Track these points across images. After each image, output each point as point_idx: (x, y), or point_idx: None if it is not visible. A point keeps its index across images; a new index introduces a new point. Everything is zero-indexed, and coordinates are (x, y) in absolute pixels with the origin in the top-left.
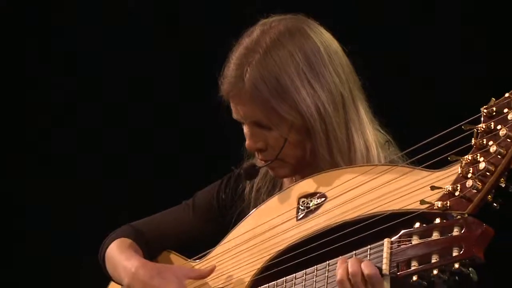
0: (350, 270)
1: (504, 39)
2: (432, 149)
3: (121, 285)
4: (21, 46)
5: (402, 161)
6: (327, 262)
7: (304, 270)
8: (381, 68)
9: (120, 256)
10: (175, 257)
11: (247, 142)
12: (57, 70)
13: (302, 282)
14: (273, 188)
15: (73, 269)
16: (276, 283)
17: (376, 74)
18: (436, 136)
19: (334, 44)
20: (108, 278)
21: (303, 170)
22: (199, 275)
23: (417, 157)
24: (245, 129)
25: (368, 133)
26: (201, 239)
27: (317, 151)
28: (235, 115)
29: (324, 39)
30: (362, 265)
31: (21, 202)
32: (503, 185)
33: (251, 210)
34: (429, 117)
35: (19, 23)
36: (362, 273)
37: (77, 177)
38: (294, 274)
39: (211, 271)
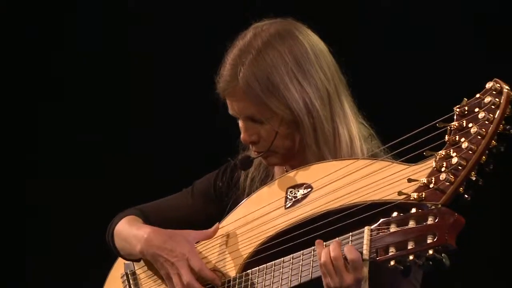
0: (332, 254)
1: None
2: (409, 145)
3: (132, 257)
4: (21, 45)
5: (384, 153)
6: (312, 247)
7: (291, 255)
8: (375, 67)
9: (130, 227)
10: None
11: (242, 136)
12: (57, 69)
13: (290, 266)
14: (266, 177)
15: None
16: (266, 266)
17: (372, 73)
18: (412, 133)
19: (320, 44)
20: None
21: (292, 159)
22: (205, 236)
23: (396, 152)
24: (240, 123)
25: (352, 126)
26: (199, 222)
27: (305, 142)
28: (230, 111)
29: (311, 40)
30: (346, 250)
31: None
32: (474, 179)
33: (245, 197)
34: (412, 114)
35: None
36: (345, 258)
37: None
38: (282, 258)
39: (215, 231)
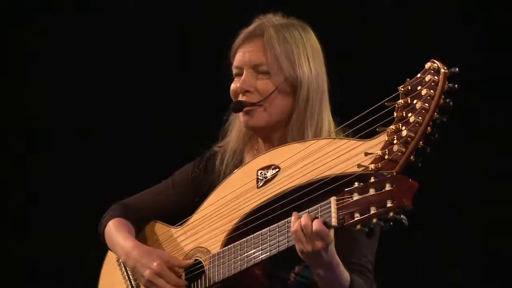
0: (302, 223)
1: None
2: (362, 123)
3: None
4: (21, 45)
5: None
6: (286, 220)
7: (268, 228)
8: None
9: (117, 235)
10: (160, 225)
11: (238, 85)
12: (57, 69)
13: (267, 237)
14: (240, 163)
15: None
16: (246, 239)
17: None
18: (364, 113)
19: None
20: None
21: (275, 127)
22: (177, 263)
23: (351, 130)
24: (239, 79)
25: (331, 123)
26: (180, 209)
27: (293, 112)
28: (238, 62)
29: (319, 45)
30: (314, 221)
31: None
32: (422, 147)
33: (220, 181)
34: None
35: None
36: (312, 227)
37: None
38: (259, 232)
39: (189, 264)
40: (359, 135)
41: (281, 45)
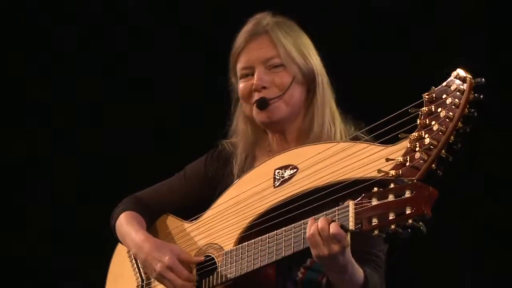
0: (319, 226)
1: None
2: (385, 128)
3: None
4: (21, 47)
5: (361, 134)
6: (302, 221)
7: (283, 228)
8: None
9: (128, 227)
10: (172, 219)
11: (255, 83)
12: (56, 70)
13: (282, 238)
14: (253, 161)
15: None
16: (261, 238)
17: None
18: (387, 118)
19: None
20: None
21: (289, 125)
22: (188, 258)
23: (373, 135)
24: (247, 79)
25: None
26: (193, 203)
27: (312, 103)
28: (246, 63)
29: None
30: (331, 226)
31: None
32: (444, 156)
33: (234, 179)
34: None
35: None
36: (329, 230)
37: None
38: (275, 231)
39: (200, 261)
40: (380, 140)
41: (289, 39)
